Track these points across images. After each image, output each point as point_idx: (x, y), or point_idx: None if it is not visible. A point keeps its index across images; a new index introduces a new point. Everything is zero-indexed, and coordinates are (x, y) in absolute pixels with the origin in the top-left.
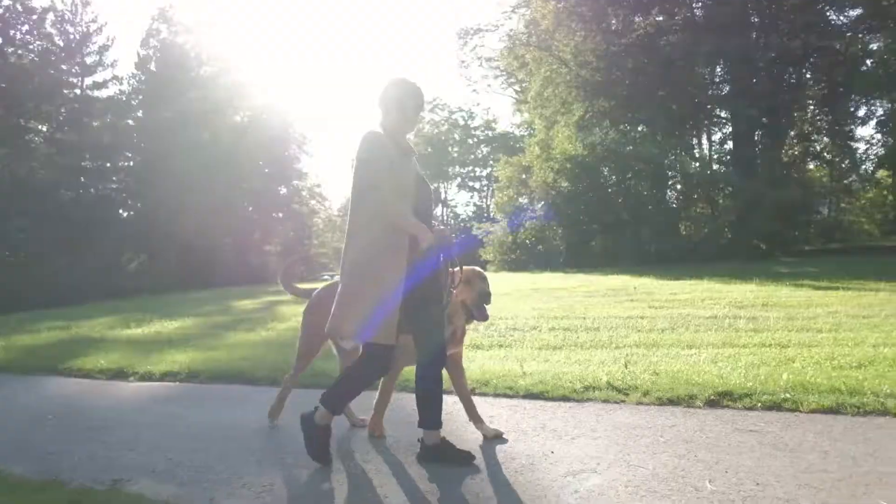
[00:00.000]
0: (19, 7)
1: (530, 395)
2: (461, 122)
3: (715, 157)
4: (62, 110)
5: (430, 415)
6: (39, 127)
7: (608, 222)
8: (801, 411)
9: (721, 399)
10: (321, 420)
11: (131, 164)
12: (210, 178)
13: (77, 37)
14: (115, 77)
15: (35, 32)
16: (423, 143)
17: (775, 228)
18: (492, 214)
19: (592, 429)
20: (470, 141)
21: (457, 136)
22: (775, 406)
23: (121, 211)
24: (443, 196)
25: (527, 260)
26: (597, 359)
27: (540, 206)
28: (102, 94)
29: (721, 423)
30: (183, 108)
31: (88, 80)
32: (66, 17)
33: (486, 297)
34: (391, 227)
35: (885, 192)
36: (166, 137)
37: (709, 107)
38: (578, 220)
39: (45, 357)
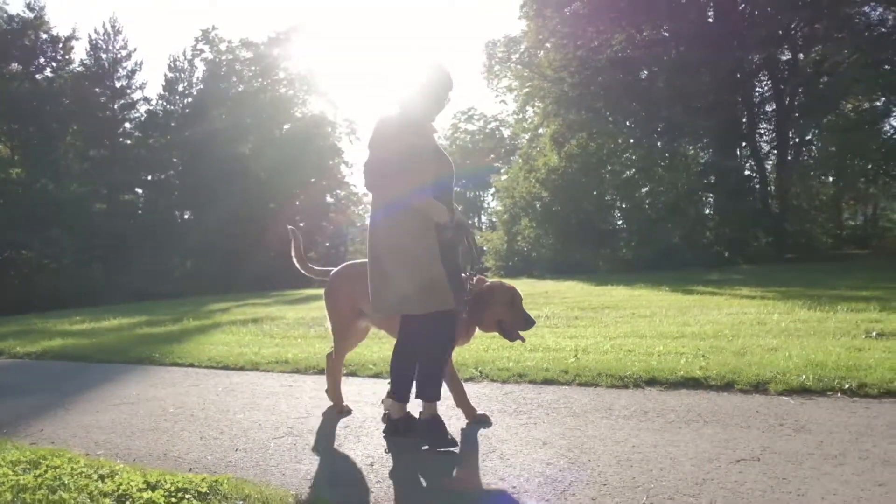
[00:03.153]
0: (45, 36)
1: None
2: (494, 132)
3: (688, 168)
4: (94, 129)
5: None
6: (73, 143)
7: (588, 231)
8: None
9: (358, 371)
10: (428, 413)
11: (169, 177)
12: (252, 189)
13: (107, 64)
14: (143, 98)
15: (64, 58)
16: (460, 154)
17: (739, 237)
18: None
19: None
20: (501, 149)
21: (491, 145)
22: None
23: (164, 221)
24: (480, 204)
25: (523, 267)
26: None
27: (526, 217)
28: (132, 114)
29: (320, 385)
30: (224, 123)
31: (119, 102)
32: (99, 45)
33: (529, 322)
34: (415, 207)
35: None
36: (208, 151)
37: (668, 119)
38: (561, 229)
39: None
